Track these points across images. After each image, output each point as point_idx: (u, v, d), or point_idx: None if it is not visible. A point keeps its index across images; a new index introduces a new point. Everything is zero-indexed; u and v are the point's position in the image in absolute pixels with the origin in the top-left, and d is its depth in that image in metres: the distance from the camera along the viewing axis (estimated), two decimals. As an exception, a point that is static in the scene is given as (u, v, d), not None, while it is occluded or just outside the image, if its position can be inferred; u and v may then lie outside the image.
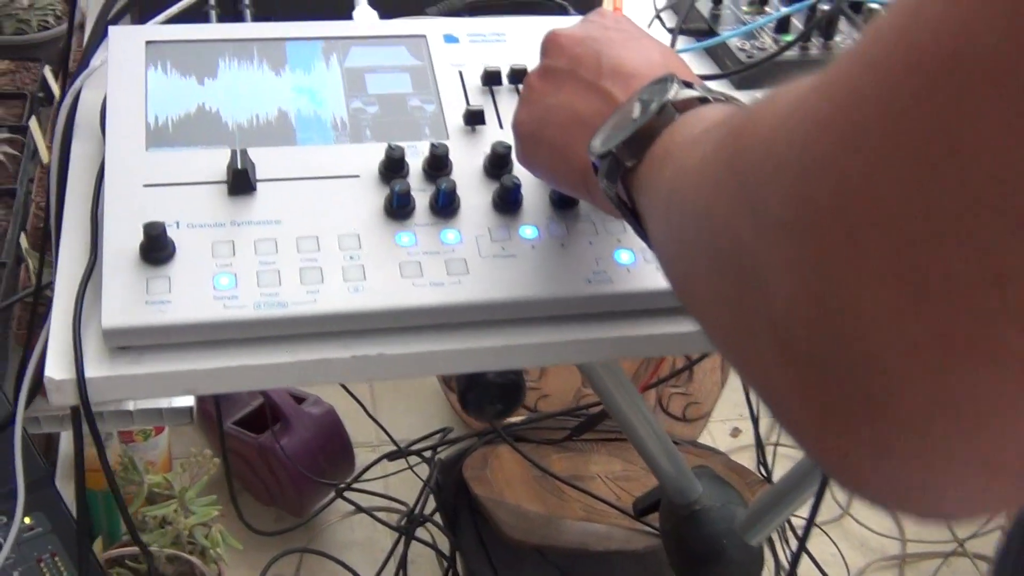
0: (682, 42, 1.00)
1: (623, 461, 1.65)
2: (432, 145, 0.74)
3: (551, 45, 0.67)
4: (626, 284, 0.71)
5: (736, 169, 0.38)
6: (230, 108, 0.76)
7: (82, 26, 1.09)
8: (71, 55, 1.15)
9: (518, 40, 0.84)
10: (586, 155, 0.59)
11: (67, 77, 0.84)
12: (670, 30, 1.00)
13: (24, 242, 1.38)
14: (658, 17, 1.01)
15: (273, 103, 0.77)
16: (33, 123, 1.40)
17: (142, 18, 0.91)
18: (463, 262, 0.70)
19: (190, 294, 0.66)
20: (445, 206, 0.72)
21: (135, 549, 1.41)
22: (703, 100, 0.55)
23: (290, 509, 1.83)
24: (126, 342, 0.65)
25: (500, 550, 1.53)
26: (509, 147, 0.73)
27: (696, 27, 1.01)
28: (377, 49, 0.82)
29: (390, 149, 0.73)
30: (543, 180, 0.72)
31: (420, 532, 1.74)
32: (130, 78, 0.76)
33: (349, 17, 0.89)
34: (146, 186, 0.71)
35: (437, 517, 1.72)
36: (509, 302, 0.70)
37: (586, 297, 0.70)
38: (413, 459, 1.78)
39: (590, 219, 0.73)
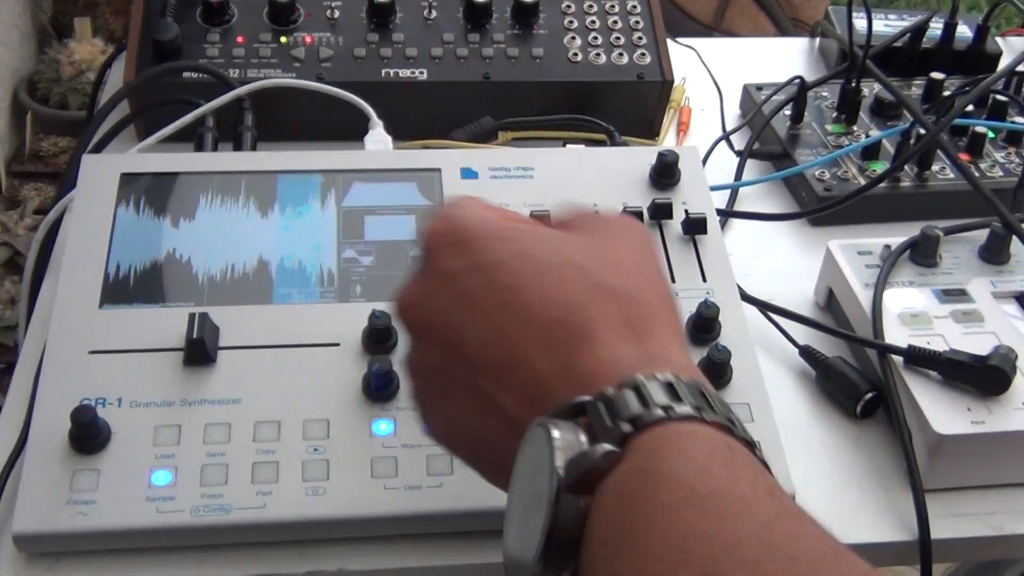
0: (752, 169, 0.87)
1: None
2: (424, 312, 0.63)
3: (399, 307, 0.47)
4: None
5: None
6: (203, 256, 0.67)
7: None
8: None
9: (548, 175, 0.73)
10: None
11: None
12: (738, 153, 0.87)
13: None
14: (726, 139, 0.88)
15: (254, 251, 0.67)
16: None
17: (148, 132, 0.83)
18: (447, 459, 0.59)
19: (120, 493, 0.56)
20: (433, 387, 0.61)
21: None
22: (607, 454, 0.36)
23: None
24: (41, 549, 0.56)
25: None
26: (516, 315, 0.62)
27: (770, 149, 0.88)
28: (383, 186, 0.72)
29: (374, 316, 0.62)
30: None
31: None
32: (96, 219, 0.67)
33: (362, 141, 0.79)
34: (92, 352, 0.62)
35: None
36: (499, 511, 0.58)
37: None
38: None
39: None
